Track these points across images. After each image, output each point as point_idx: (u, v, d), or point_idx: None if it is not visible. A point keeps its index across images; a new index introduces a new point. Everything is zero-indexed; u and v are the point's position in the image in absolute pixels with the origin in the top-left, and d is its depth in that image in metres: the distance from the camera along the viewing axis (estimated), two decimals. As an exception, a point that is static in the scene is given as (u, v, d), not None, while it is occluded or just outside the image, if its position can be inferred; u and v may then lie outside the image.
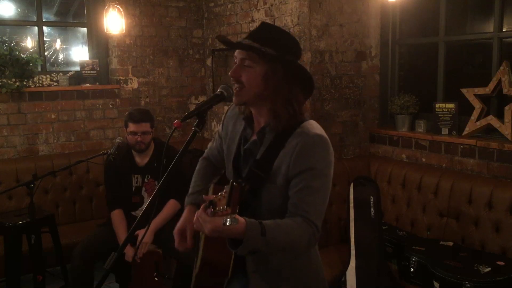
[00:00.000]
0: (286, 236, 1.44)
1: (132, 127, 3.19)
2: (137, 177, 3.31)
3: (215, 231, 1.35)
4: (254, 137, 1.64)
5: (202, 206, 1.39)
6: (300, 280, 1.64)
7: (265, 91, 1.53)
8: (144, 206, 3.29)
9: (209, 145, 1.97)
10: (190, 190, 1.89)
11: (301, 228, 1.47)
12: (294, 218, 1.49)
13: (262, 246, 1.39)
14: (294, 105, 1.55)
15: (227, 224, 1.30)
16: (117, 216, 3.23)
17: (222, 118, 1.84)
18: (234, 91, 1.57)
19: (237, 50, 1.57)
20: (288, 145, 1.53)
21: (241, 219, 1.36)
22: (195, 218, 1.40)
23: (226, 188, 1.36)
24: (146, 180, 3.30)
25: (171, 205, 3.24)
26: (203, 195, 1.72)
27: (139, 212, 3.29)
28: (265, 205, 1.55)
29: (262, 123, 1.61)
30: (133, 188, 3.31)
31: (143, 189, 3.31)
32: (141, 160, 3.33)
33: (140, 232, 3.00)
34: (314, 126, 1.57)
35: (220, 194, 1.35)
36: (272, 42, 1.54)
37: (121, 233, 3.16)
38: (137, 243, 3.05)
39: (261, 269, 1.61)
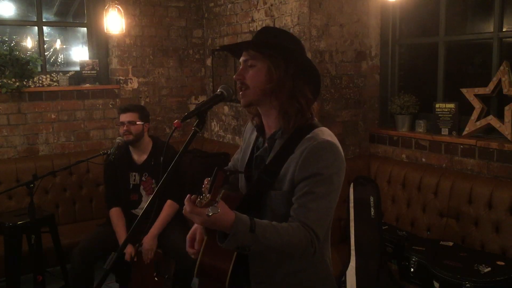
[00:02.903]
0: (278, 237, 1.39)
1: (120, 117, 3.28)
2: (134, 175, 3.32)
3: (203, 223, 1.34)
4: (266, 144, 1.63)
5: (187, 198, 1.35)
6: None
7: (269, 86, 1.52)
8: (143, 204, 3.31)
9: (233, 156, 1.96)
10: None
11: (297, 233, 1.41)
12: (292, 222, 1.44)
13: (250, 243, 1.36)
14: (301, 101, 1.53)
15: (210, 214, 1.26)
16: (116, 214, 3.25)
17: (243, 131, 1.85)
18: (240, 93, 1.56)
19: (241, 58, 1.58)
20: (296, 151, 1.49)
21: (230, 212, 1.34)
22: (183, 210, 1.37)
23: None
24: (143, 178, 3.30)
25: (168, 207, 3.23)
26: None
27: (138, 211, 3.30)
28: (270, 211, 1.52)
29: (273, 129, 1.61)
30: (131, 186, 3.32)
31: (141, 187, 3.31)
32: (139, 157, 3.33)
33: (145, 240, 3.05)
34: (325, 133, 1.54)
35: (206, 183, 1.32)
36: (272, 38, 1.56)
37: (120, 231, 3.17)
38: (143, 249, 3.09)
39: (265, 281, 1.58)
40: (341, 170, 1.53)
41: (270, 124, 1.62)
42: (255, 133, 1.72)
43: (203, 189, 1.32)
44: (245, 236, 1.35)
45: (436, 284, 2.62)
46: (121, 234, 3.16)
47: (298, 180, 1.47)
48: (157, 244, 3.13)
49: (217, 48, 4.71)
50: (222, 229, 1.35)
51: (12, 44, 4.17)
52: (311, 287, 1.61)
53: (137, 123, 3.24)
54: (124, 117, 3.25)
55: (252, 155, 1.69)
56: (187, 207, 1.34)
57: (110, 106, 4.52)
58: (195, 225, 1.71)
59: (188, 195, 1.36)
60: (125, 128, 3.22)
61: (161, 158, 3.20)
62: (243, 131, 1.85)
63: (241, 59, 1.58)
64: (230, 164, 1.95)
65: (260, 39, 1.58)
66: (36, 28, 4.34)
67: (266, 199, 1.53)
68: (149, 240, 3.09)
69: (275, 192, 1.51)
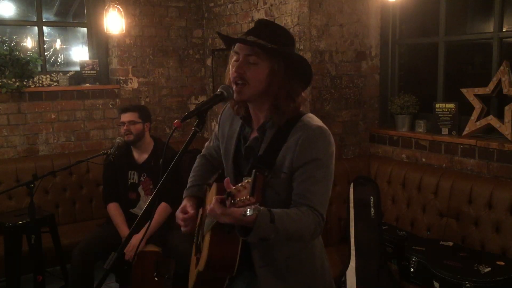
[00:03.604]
0: (293, 224, 1.46)
1: (121, 117, 3.29)
2: (133, 174, 3.32)
3: (232, 221, 1.37)
4: (254, 135, 1.64)
5: (216, 198, 1.39)
6: (306, 272, 1.66)
7: (270, 88, 1.54)
8: (142, 204, 3.31)
9: (206, 144, 1.99)
10: (188, 184, 1.90)
11: (307, 217, 1.49)
12: (300, 207, 1.51)
13: (271, 234, 1.41)
14: (295, 98, 1.58)
15: (248, 214, 1.29)
16: (113, 208, 3.28)
17: (218, 119, 1.85)
18: (236, 87, 1.55)
19: (238, 46, 1.56)
20: (290, 139, 1.55)
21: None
22: (209, 210, 1.40)
23: (246, 179, 1.32)
24: (142, 178, 3.30)
25: (162, 209, 3.21)
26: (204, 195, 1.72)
27: (137, 210, 3.30)
28: (269, 200, 1.55)
29: (262, 120, 1.62)
30: (129, 184, 3.32)
31: (140, 186, 3.31)
32: (139, 157, 3.33)
33: (135, 237, 3.00)
34: (314, 119, 1.61)
35: (240, 185, 1.33)
36: (274, 37, 1.55)
37: (121, 224, 3.19)
38: (128, 246, 3.04)
39: (268, 264, 1.62)
40: (333, 153, 1.61)
41: (259, 116, 1.63)
42: (236, 123, 1.73)
43: (232, 190, 1.33)
44: (267, 227, 1.39)
45: (436, 284, 2.62)
46: (122, 226, 3.18)
47: (296, 166, 1.53)
48: (144, 245, 3.09)
49: (217, 48, 4.71)
50: (246, 224, 1.38)
51: (12, 44, 4.16)
52: (310, 265, 1.68)
53: (138, 122, 3.24)
54: (125, 117, 3.25)
55: (238, 145, 1.69)
56: (217, 209, 1.37)
57: (110, 106, 4.52)
58: (182, 204, 1.77)
59: (215, 197, 1.39)
60: (125, 128, 3.22)
61: (161, 160, 3.20)
62: (219, 119, 1.86)
63: (242, 52, 1.55)
64: (204, 150, 1.98)
65: (263, 32, 1.55)
66: (36, 28, 4.34)
67: (266, 188, 1.55)
68: (136, 237, 3.02)
69: (274, 181, 1.55)
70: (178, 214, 1.73)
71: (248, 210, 1.29)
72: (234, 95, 1.57)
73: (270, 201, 1.54)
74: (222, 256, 1.56)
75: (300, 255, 1.65)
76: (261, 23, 1.61)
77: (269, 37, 1.54)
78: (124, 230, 3.17)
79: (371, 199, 3.08)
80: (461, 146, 3.23)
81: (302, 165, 1.52)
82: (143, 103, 4.60)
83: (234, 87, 1.56)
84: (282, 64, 1.53)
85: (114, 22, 4.14)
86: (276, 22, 3.79)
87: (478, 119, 3.16)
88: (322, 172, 1.54)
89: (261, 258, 1.63)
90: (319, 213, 1.52)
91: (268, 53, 1.52)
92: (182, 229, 1.71)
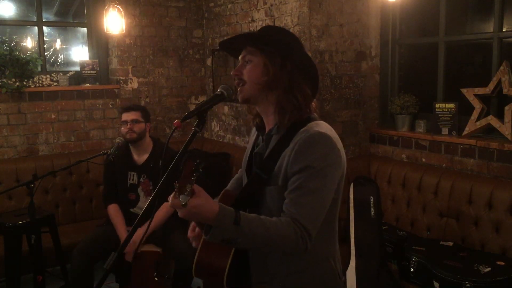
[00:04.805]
0: (265, 230, 1.35)
1: (123, 116, 3.29)
2: (133, 175, 3.32)
3: (186, 215, 1.31)
4: (263, 141, 1.64)
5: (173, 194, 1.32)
6: None
7: (264, 80, 1.52)
8: (142, 204, 3.31)
9: None
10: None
11: (286, 227, 1.37)
12: (282, 217, 1.41)
13: (236, 236, 1.33)
14: (298, 96, 1.53)
15: (183, 203, 1.25)
16: (113, 210, 3.28)
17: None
18: (238, 89, 1.57)
19: (240, 56, 1.60)
20: (291, 144, 1.48)
21: (213, 204, 1.32)
22: (170, 204, 1.33)
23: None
24: (142, 180, 3.30)
25: (164, 209, 3.19)
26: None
27: (137, 210, 3.30)
28: (266, 207, 1.51)
29: (271, 126, 1.61)
30: (128, 185, 3.32)
31: (140, 188, 3.31)
32: (139, 158, 3.34)
33: (137, 231, 2.99)
34: (320, 125, 1.52)
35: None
36: (270, 35, 1.58)
37: (120, 226, 3.18)
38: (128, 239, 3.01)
39: (266, 282, 1.57)
40: (336, 163, 1.47)
41: (269, 122, 1.62)
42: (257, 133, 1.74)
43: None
44: (229, 228, 1.32)
45: (436, 284, 2.62)
46: (121, 228, 3.18)
47: (290, 174, 1.44)
48: (142, 241, 3.05)
49: (217, 48, 4.71)
50: (206, 221, 1.33)
51: (12, 44, 4.16)
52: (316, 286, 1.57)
53: (140, 122, 3.26)
54: (127, 116, 3.25)
55: (251, 153, 1.69)
56: (170, 200, 1.31)
57: (110, 106, 4.52)
58: None
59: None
60: (128, 126, 3.23)
61: (160, 162, 3.20)
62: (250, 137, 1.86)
63: (240, 56, 1.60)
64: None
65: (259, 33, 1.61)
66: (36, 28, 4.34)
67: (262, 195, 1.52)
68: (139, 231, 3.00)
69: (270, 188, 1.50)
70: (189, 231, 1.67)
71: (181, 198, 1.25)
72: (238, 97, 1.58)
73: (267, 209, 1.49)
74: (210, 261, 1.52)
75: (302, 276, 1.54)
76: (261, 28, 1.65)
77: (264, 34, 1.58)
78: (122, 232, 3.17)
79: (371, 199, 3.08)
80: (461, 146, 3.23)
81: (295, 172, 1.42)
82: (143, 103, 4.60)
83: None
84: (278, 58, 1.52)
85: (114, 22, 4.14)
86: (276, 22, 3.79)
87: (478, 119, 3.16)
88: (316, 183, 1.41)
89: (259, 274, 1.58)
90: (304, 227, 1.38)
91: (260, 48, 1.53)
92: (193, 244, 1.65)
